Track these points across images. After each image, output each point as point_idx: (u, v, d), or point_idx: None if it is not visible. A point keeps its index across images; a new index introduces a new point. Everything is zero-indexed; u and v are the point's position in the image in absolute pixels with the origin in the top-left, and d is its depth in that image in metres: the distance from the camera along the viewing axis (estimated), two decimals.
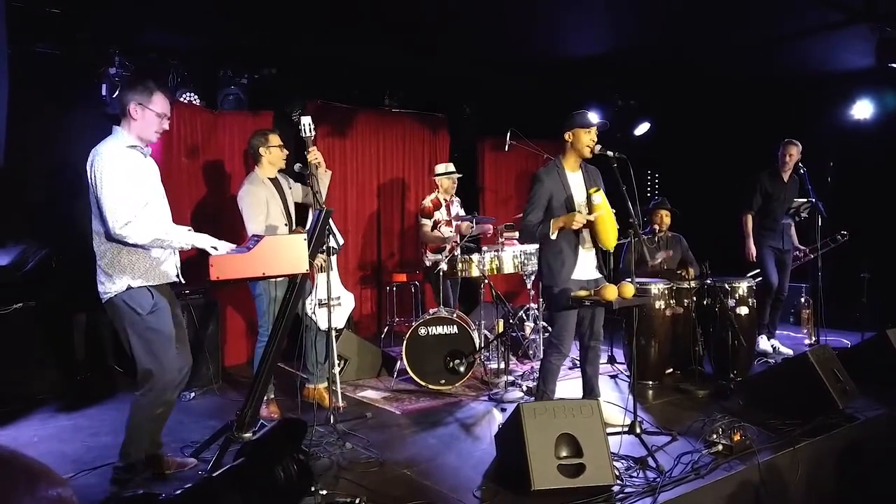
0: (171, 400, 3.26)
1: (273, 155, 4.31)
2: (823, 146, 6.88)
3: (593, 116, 3.85)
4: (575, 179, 3.87)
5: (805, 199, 5.68)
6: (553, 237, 3.70)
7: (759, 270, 5.68)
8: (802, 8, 5.10)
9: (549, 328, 3.94)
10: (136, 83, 3.15)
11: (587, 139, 3.75)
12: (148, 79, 3.19)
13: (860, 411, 4.10)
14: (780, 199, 5.77)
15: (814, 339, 6.07)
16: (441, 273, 5.26)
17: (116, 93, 3.20)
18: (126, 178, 3.00)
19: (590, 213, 3.66)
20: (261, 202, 4.18)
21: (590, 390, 3.98)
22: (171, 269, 3.25)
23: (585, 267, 3.85)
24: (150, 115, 3.11)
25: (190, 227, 3.27)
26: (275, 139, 4.35)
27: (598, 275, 3.91)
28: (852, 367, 4.32)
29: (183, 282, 3.35)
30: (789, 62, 6.61)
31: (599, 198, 3.62)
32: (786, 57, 6.44)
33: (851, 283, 6.00)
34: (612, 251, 3.94)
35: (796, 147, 5.71)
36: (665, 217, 5.62)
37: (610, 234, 3.69)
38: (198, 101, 5.65)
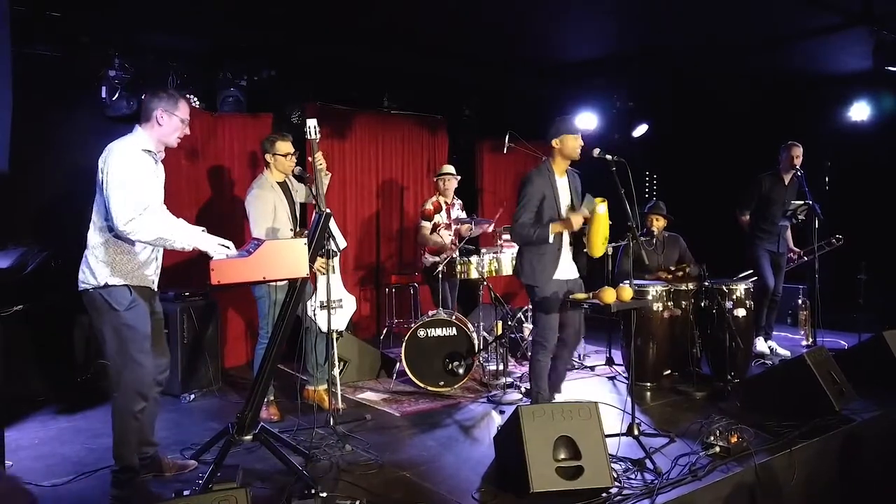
0: (150, 397, 3.23)
1: (279, 163, 4.29)
2: (821, 148, 6.91)
3: (583, 120, 3.90)
4: (562, 183, 3.97)
5: (802, 202, 5.69)
6: (551, 241, 3.78)
7: (753, 271, 5.70)
8: (800, 10, 5.13)
9: (539, 330, 3.97)
10: (160, 91, 3.26)
11: (575, 143, 3.83)
12: (168, 87, 3.28)
13: (857, 413, 4.12)
14: (780, 201, 5.77)
15: (811, 340, 6.10)
16: (440, 275, 5.29)
17: (145, 100, 3.27)
18: (135, 178, 3.06)
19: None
20: (268, 207, 4.19)
21: (556, 387, 4.08)
22: (152, 275, 3.28)
23: (566, 267, 3.95)
24: (175, 121, 3.22)
25: (203, 229, 3.29)
26: (283, 147, 4.29)
27: (576, 275, 4.01)
28: (849, 369, 4.34)
29: (157, 291, 3.36)
30: (787, 64, 6.65)
31: (604, 208, 3.71)
32: (784, 59, 6.47)
33: (848, 285, 6.03)
34: (606, 255, 4.00)
35: (800, 149, 5.71)
36: (657, 221, 5.65)
37: (600, 243, 3.78)
38: (197, 103, 5.66)
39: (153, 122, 3.19)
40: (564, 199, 3.92)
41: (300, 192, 4.50)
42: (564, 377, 4.19)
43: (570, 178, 4.01)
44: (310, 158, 4.19)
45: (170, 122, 3.21)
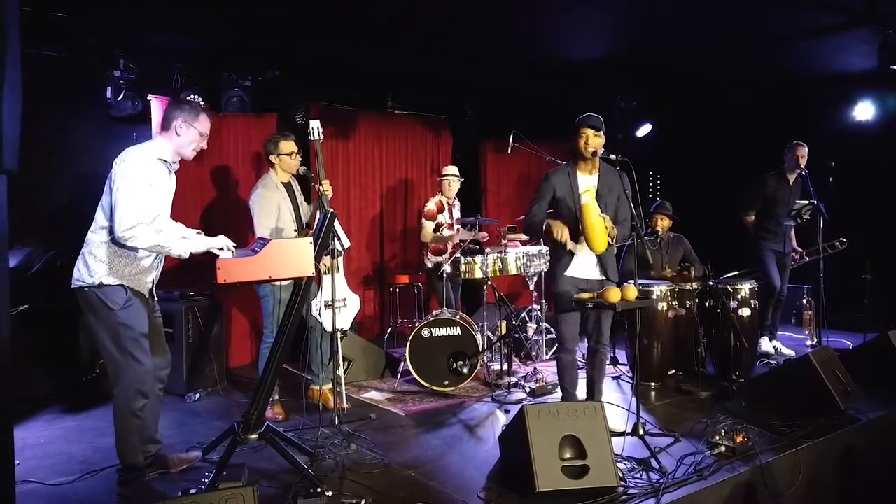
0: (151, 394, 3.22)
1: (284, 162, 4.33)
2: (825, 147, 6.90)
3: (592, 119, 3.86)
4: (587, 182, 3.85)
5: (807, 202, 5.68)
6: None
7: (754, 269, 5.69)
8: (803, 10, 5.13)
9: (554, 328, 3.96)
10: (183, 102, 3.29)
11: (581, 141, 3.79)
12: (194, 97, 3.29)
13: (862, 412, 4.12)
14: (785, 201, 5.75)
15: (815, 340, 6.09)
16: (444, 275, 5.29)
17: (166, 108, 3.29)
18: (145, 186, 3.07)
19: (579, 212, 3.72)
20: (272, 207, 4.21)
21: (591, 393, 3.99)
22: (149, 283, 3.27)
23: (583, 266, 3.85)
24: (193, 133, 3.24)
25: (200, 231, 3.29)
26: (286, 146, 4.33)
27: (600, 276, 3.89)
28: (854, 369, 4.33)
29: (156, 299, 3.36)
30: (791, 63, 6.64)
31: (587, 197, 3.63)
32: (787, 58, 6.46)
33: (853, 285, 6.02)
34: (614, 253, 3.95)
35: (805, 148, 5.69)
36: (661, 221, 5.64)
37: (598, 239, 3.63)
38: (202, 103, 5.67)
39: (172, 132, 3.21)
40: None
41: (303, 207, 4.52)
42: (597, 385, 3.95)
43: (605, 178, 3.87)
44: (316, 186, 4.15)
45: (187, 134, 3.22)
